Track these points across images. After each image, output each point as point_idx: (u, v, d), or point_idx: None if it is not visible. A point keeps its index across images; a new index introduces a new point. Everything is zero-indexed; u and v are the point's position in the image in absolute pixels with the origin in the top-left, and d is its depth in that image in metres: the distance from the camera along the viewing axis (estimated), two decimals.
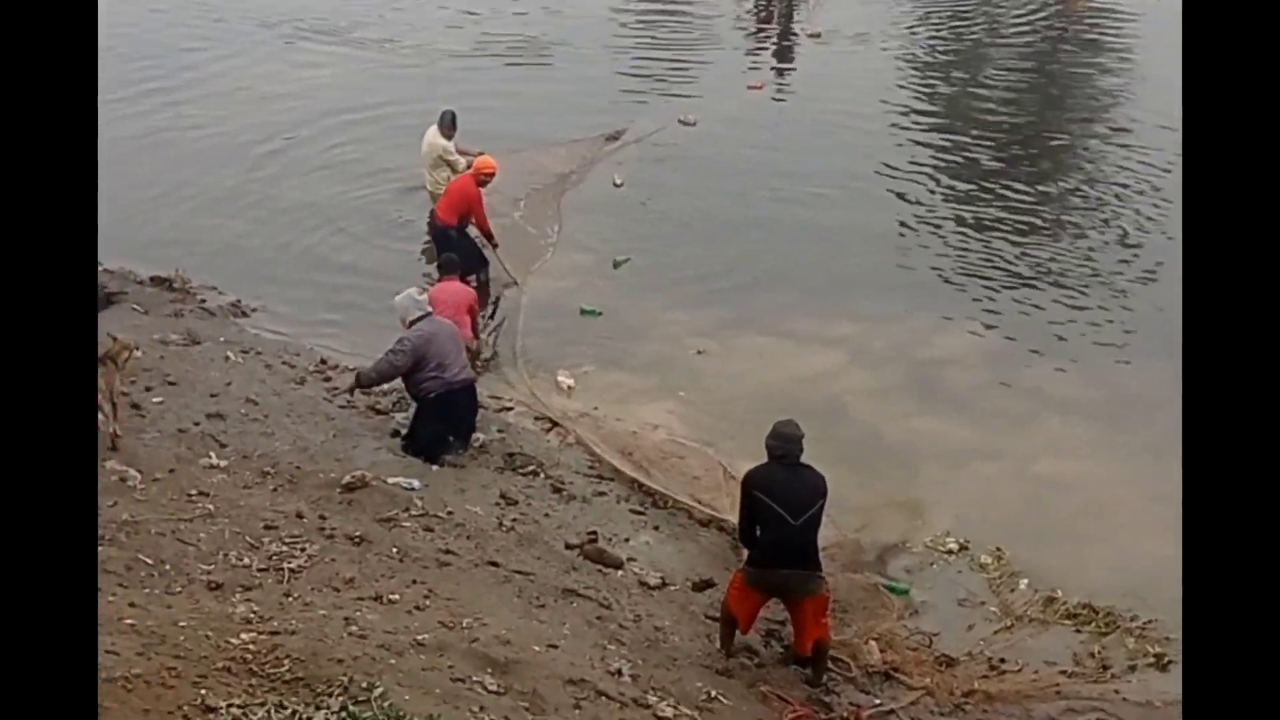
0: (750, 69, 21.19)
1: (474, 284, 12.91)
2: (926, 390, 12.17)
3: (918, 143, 18.04)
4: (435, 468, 9.83)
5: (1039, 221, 15.77)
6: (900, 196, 16.29)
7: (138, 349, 10.06)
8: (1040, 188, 16.81)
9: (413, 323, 10.18)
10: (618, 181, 16.29)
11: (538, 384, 11.75)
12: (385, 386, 10.68)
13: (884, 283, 14.11)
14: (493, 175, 13.51)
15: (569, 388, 11.79)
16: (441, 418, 10.14)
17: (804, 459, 7.92)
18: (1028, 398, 12.09)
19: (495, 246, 13.69)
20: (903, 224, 15.51)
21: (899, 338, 13.07)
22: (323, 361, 11.66)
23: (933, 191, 16.54)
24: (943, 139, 18.35)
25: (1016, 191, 16.54)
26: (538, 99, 18.78)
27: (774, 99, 19.94)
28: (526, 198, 15.45)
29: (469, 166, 13.74)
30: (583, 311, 13.21)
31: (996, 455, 11.17)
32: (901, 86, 20.37)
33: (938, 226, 15.54)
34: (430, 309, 10.35)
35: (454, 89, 17.78)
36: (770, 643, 8.47)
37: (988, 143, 18.25)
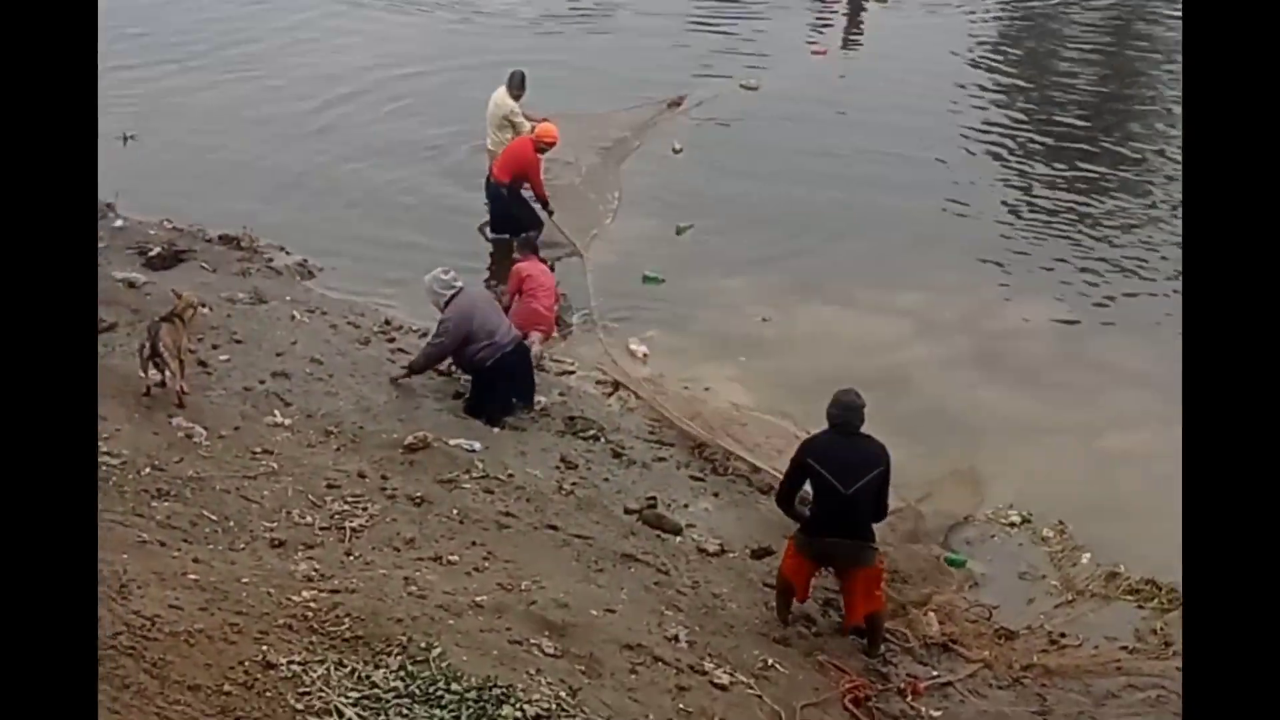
0: (816, 32, 20.95)
1: (525, 239, 12.94)
2: (993, 362, 12.03)
3: (990, 115, 17.77)
4: (496, 430, 9.86)
5: (1119, 196, 15.46)
6: (972, 169, 16.05)
7: (203, 305, 10.19)
8: (1121, 163, 16.48)
9: (447, 302, 10.19)
10: (677, 148, 16.20)
11: (610, 348, 11.75)
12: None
13: (954, 255, 13.92)
14: (553, 144, 13.51)
15: (644, 355, 11.77)
16: (503, 382, 10.18)
17: (866, 428, 7.85)
18: (1096, 371, 11.90)
19: (551, 213, 13.68)
20: (975, 197, 15.26)
21: (967, 309, 12.92)
22: (387, 322, 11.72)
23: (1007, 164, 16.30)
24: (1017, 111, 18.07)
25: (1096, 165, 16.24)
26: (601, 63, 18.71)
27: (840, 64, 19.71)
28: (587, 163, 15.39)
29: (533, 130, 13.73)
30: (645, 278, 13.15)
31: (1062, 428, 11.04)
32: (973, 54, 20.06)
33: (1013, 200, 15.33)
34: (459, 284, 10.30)
35: (519, 52, 17.71)
36: (828, 612, 8.43)
37: (1065, 115, 17.94)
